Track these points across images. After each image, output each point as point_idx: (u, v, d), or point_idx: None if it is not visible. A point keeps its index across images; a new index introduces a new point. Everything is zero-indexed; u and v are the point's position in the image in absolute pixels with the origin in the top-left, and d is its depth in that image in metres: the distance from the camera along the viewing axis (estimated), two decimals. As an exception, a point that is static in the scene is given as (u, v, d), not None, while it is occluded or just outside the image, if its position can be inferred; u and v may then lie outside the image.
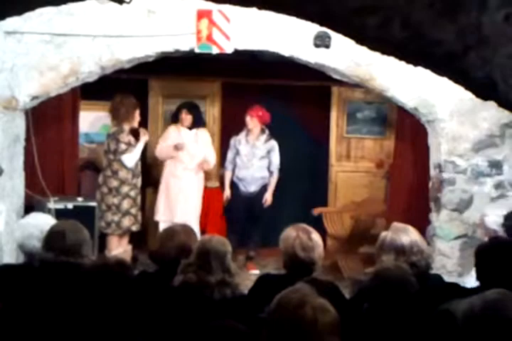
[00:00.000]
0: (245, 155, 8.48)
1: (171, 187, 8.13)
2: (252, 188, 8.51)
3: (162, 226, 8.01)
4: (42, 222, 4.29)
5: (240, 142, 8.50)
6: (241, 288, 3.93)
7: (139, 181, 7.68)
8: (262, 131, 8.51)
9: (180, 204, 8.03)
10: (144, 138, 7.63)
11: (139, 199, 7.69)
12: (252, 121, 8.41)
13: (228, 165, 8.61)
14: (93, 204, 7.15)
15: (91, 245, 4.31)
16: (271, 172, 8.56)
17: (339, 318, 2.60)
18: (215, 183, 9.09)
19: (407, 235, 4.12)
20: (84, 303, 3.21)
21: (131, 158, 7.49)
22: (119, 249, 7.57)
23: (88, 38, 6.37)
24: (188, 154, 8.09)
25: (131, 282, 3.33)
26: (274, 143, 8.52)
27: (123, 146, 7.49)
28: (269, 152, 8.49)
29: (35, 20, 6.11)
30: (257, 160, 8.47)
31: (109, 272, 3.26)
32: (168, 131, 8.30)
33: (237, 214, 8.59)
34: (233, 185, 8.60)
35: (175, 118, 8.31)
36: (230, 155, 8.60)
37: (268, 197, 8.49)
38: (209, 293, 3.69)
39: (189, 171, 8.13)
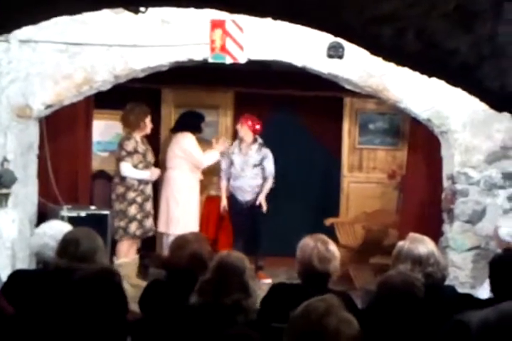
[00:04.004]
0: (238, 165, 8.52)
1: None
2: (249, 197, 8.56)
3: (164, 238, 8.12)
4: (58, 232, 4.29)
5: (233, 152, 8.54)
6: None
7: (147, 188, 7.72)
8: (255, 140, 8.54)
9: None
10: (152, 176, 7.78)
11: (146, 205, 7.71)
12: (243, 129, 8.47)
13: (223, 175, 8.66)
14: (106, 212, 7.17)
15: (105, 252, 4.33)
16: (265, 179, 8.58)
17: (361, 333, 2.60)
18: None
19: (425, 246, 4.11)
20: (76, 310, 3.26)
21: (129, 170, 7.56)
22: (127, 257, 7.59)
23: (102, 47, 6.40)
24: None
25: (117, 286, 3.37)
26: (266, 151, 8.56)
27: (124, 153, 7.56)
28: (262, 159, 8.52)
29: (50, 29, 6.14)
30: (250, 168, 8.51)
31: (94, 280, 3.31)
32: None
33: (238, 223, 8.61)
34: (231, 195, 8.64)
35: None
36: (224, 165, 8.65)
37: (262, 202, 8.51)
38: (222, 316, 3.62)
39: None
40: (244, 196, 8.56)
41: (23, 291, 3.98)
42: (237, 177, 8.57)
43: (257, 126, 8.52)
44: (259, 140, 8.56)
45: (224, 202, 8.66)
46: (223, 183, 8.68)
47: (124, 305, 3.39)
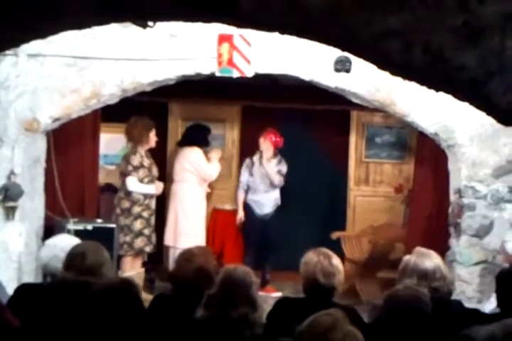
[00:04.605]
0: (259, 178, 8.53)
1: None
2: (266, 210, 8.58)
3: (171, 251, 8.09)
4: (69, 244, 4.28)
5: (253, 164, 8.57)
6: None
7: (152, 202, 7.71)
8: (275, 154, 8.57)
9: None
10: (157, 190, 7.76)
11: (152, 220, 7.71)
12: (265, 143, 8.51)
13: (241, 187, 8.69)
14: (112, 225, 7.16)
15: (112, 265, 4.32)
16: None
17: None
18: (233, 205, 9.11)
19: (431, 260, 4.10)
20: (95, 322, 3.24)
21: (135, 184, 7.55)
22: (132, 271, 7.59)
23: (110, 61, 6.42)
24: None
25: (138, 299, 3.36)
26: (284, 167, 8.59)
27: (130, 168, 7.55)
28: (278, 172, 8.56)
29: (58, 43, 6.15)
30: (269, 182, 8.52)
31: (115, 292, 3.29)
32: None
33: (254, 236, 8.60)
34: (248, 207, 8.65)
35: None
36: (243, 177, 8.69)
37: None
38: (229, 330, 3.61)
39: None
40: (263, 209, 8.60)
41: (30, 305, 3.98)
42: (255, 190, 8.60)
43: (279, 141, 8.58)
44: (279, 155, 8.63)
45: (241, 214, 8.66)
46: (240, 195, 8.70)
47: (143, 317, 3.38)
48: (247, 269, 3.87)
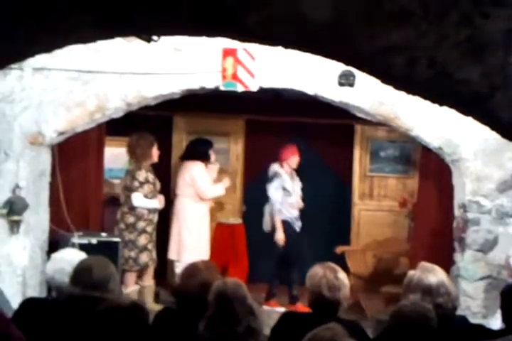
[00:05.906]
0: (295, 195, 8.44)
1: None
2: (300, 223, 8.50)
3: (175, 265, 8.07)
4: (75, 258, 4.28)
5: (285, 182, 8.39)
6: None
7: (155, 216, 7.72)
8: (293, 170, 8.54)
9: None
10: (160, 204, 7.78)
11: (154, 234, 7.73)
12: (294, 159, 8.44)
13: (278, 206, 8.33)
14: (117, 239, 7.16)
15: (118, 280, 4.32)
16: None
17: None
18: (237, 220, 9.09)
19: (435, 275, 4.08)
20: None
21: (141, 200, 7.56)
22: (135, 286, 7.59)
23: (115, 75, 6.44)
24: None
25: (145, 324, 3.34)
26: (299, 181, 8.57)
27: (136, 184, 7.56)
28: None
29: (63, 57, 6.18)
30: (299, 197, 8.51)
31: (123, 314, 3.28)
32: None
33: (296, 251, 8.38)
34: (288, 225, 8.36)
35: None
36: (278, 195, 8.35)
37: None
38: None
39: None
40: (299, 224, 8.49)
41: (35, 319, 3.97)
42: (294, 206, 8.41)
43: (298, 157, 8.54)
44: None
45: (281, 236, 8.26)
46: (279, 217, 8.32)
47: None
48: (237, 282, 3.87)
